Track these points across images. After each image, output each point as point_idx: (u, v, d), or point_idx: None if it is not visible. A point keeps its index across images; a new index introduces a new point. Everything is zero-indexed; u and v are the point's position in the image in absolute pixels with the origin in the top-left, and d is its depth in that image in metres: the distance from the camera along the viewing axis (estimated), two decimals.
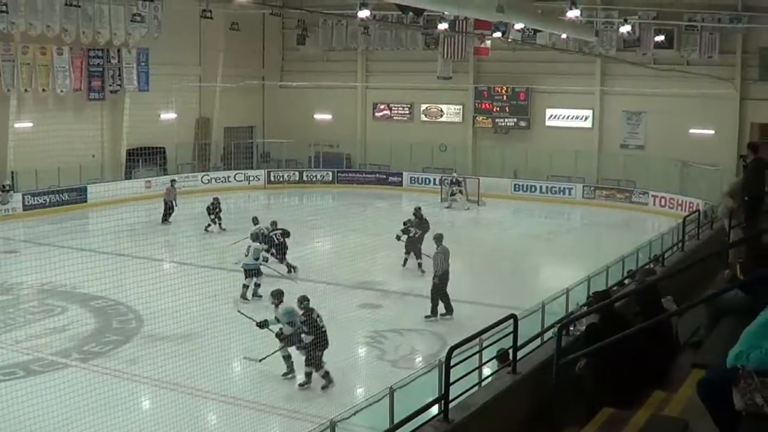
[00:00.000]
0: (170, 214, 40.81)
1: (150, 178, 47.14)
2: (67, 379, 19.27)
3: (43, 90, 42.98)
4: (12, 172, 42.23)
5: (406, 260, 31.78)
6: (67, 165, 42.86)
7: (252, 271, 27.23)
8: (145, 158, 46.98)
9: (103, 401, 17.66)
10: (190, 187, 48.31)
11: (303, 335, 19.43)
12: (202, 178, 50.40)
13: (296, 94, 55.35)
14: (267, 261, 28.79)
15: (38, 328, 24.01)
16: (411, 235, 31.51)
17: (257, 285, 27.16)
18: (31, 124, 42.94)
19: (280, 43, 58.01)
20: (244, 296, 26.75)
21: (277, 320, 20.13)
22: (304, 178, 53.22)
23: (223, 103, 53.32)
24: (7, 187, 41.24)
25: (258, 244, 28.31)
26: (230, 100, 53.29)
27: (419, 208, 33.21)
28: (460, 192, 46.40)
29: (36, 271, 26.25)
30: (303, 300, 19.74)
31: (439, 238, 26.05)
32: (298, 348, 19.76)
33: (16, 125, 42.37)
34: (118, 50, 46.10)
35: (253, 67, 56.11)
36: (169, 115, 50.33)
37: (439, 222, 41.33)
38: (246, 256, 27.63)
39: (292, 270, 30.38)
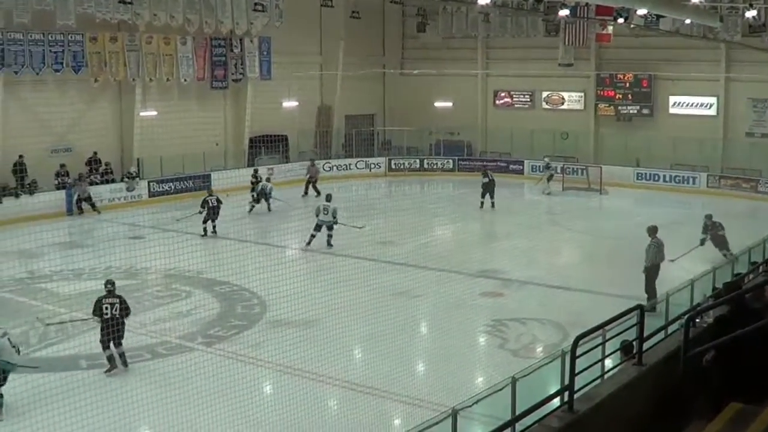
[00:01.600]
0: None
1: (272, 166, 47.54)
2: (192, 362, 19.67)
3: (168, 79, 43.70)
4: (138, 160, 43.06)
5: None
6: (190, 153, 43.53)
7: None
8: (267, 146, 47.44)
9: (227, 385, 17.97)
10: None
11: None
12: (323, 165, 50.69)
13: (417, 82, 55.34)
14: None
15: (164, 312, 24.54)
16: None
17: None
18: (155, 113, 43.75)
19: (401, 30, 58.06)
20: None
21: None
22: (425, 165, 53.18)
23: (343, 91, 53.55)
24: (133, 174, 42.07)
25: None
26: (351, 88, 53.48)
27: None
28: (550, 177, 46.00)
29: (162, 256, 26.75)
30: (107, 283, 20.25)
31: (651, 230, 25.18)
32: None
33: (142, 114, 43.19)
34: (241, 39, 46.65)
35: (374, 55, 56.30)
36: (290, 103, 50.85)
37: (561, 211, 41.23)
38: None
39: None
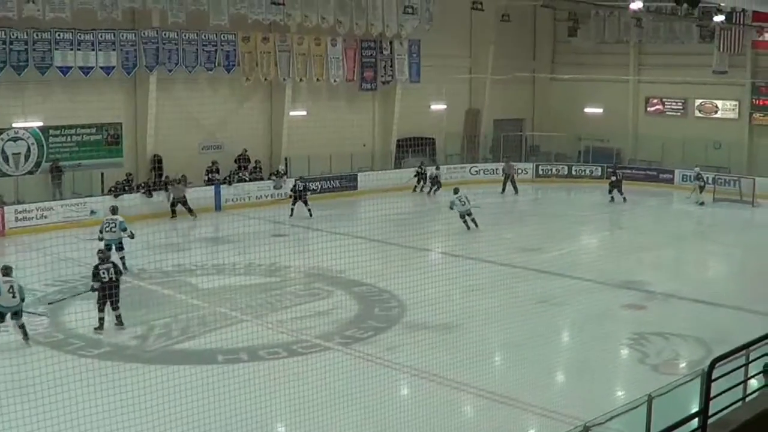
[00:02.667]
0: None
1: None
2: (328, 362, 19.76)
3: (317, 80, 44.16)
4: (286, 159, 43.53)
5: None
6: (338, 153, 43.86)
7: None
8: (414, 148, 47.53)
9: (361, 386, 17.95)
10: (458, 178, 48.58)
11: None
12: (470, 169, 50.57)
13: (567, 87, 54.84)
14: None
15: (303, 310, 24.58)
16: None
17: None
18: (305, 113, 44.30)
19: (552, 35, 57.54)
20: None
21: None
22: (573, 172, 52.61)
23: (492, 95, 53.35)
24: (281, 172, 42.52)
25: None
26: (500, 92, 53.27)
27: None
28: (701, 187, 44.77)
29: (304, 255, 26.87)
30: (99, 251, 23.07)
31: None
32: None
33: (291, 113, 43.69)
34: (390, 42, 46.89)
35: (524, 59, 55.90)
36: (439, 106, 50.86)
37: (711, 223, 40.30)
38: None
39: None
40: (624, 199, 43.09)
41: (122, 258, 27.33)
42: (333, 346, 21.51)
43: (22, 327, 20.73)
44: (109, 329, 21.75)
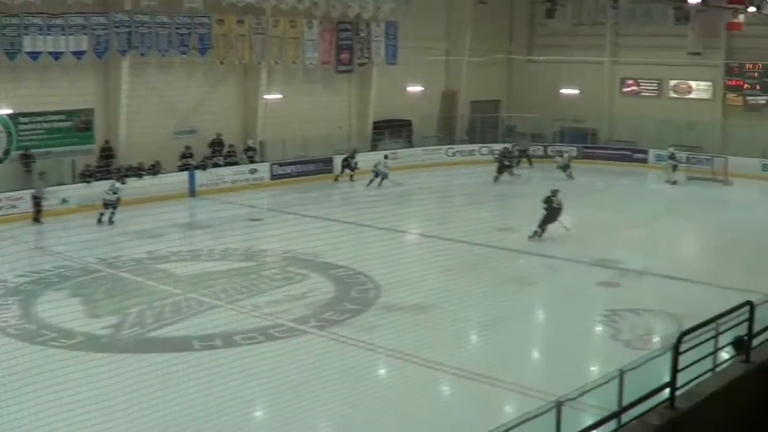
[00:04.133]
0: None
1: (395, 150, 47.51)
2: (305, 345, 19.79)
3: (293, 62, 43.98)
4: (260, 142, 43.41)
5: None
6: (314, 136, 43.80)
7: None
8: (390, 130, 47.50)
9: (339, 369, 17.98)
10: (434, 159, 48.67)
11: None
12: (446, 151, 50.56)
13: (543, 69, 54.78)
14: None
15: (279, 294, 24.55)
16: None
17: None
18: (280, 96, 44.05)
19: (528, 17, 57.43)
20: None
21: None
22: (549, 153, 52.67)
23: (469, 77, 53.28)
24: (252, 146, 42.81)
25: None
26: (476, 74, 53.17)
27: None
28: (674, 166, 44.89)
29: (279, 239, 26.87)
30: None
31: None
32: None
33: (266, 97, 43.51)
34: (367, 23, 46.73)
35: (500, 41, 55.79)
36: (415, 88, 50.81)
37: (684, 201, 40.51)
38: None
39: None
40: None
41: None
42: (309, 330, 21.53)
43: None
44: (82, 320, 21.58)
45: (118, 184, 34.37)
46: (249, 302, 23.63)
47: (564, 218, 31.37)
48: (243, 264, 27.75)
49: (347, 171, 43.98)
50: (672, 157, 45.00)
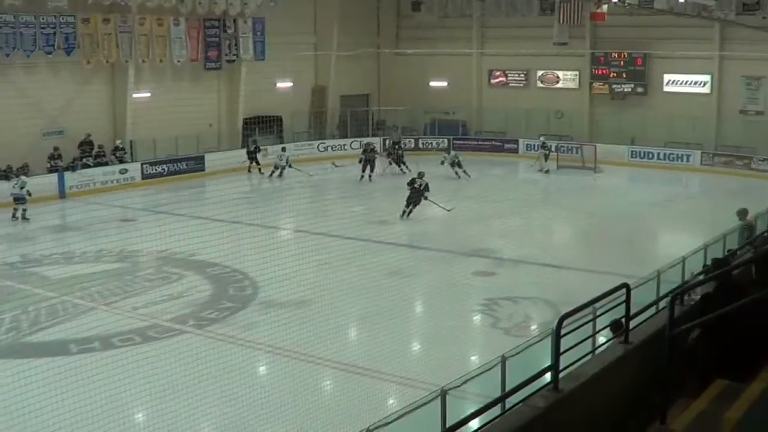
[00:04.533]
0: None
1: (266, 146, 47.42)
2: (184, 345, 19.56)
3: (160, 60, 43.48)
4: (130, 141, 42.90)
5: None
6: (184, 134, 43.44)
7: None
8: (261, 127, 47.36)
9: (219, 367, 17.90)
10: (307, 155, 48.66)
11: None
12: (318, 146, 50.60)
13: (411, 62, 55.17)
14: None
15: (155, 295, 24.39)
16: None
17: None
18: (149, 95, 43.60)
19: (396, 10, 57.70)
20: None
21: None
22: (420, 145, 53.05)
23: (338, 72, 53.33)
24: (121, 147, 42.32)
25: None
26: (345, 69, 53.25)
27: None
28: (545, 155, 45.82)
29: (153, 238, 26.70)
30: None
31: (742, 213, 22.82)
32: None
33: (134, 96, 42.94)
34: (234, 20, 46.42)
35: (369, 35, 55.97)
36: (285, 84, 50.70)
37: (555, 190, 41.25)
38: None
39: None
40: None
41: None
42: (188, 329, 21.43)
43: None
44: None
45: (24, 178, 34.66)
46: (126, 303, 23.38)
47: (437, 209, 31.69)
48: (118, 265, 27.43)
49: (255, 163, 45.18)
50: (543, 146, 45.72)
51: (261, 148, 45.40)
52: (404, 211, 33.31)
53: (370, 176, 42.70)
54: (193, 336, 20.78)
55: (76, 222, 34.02)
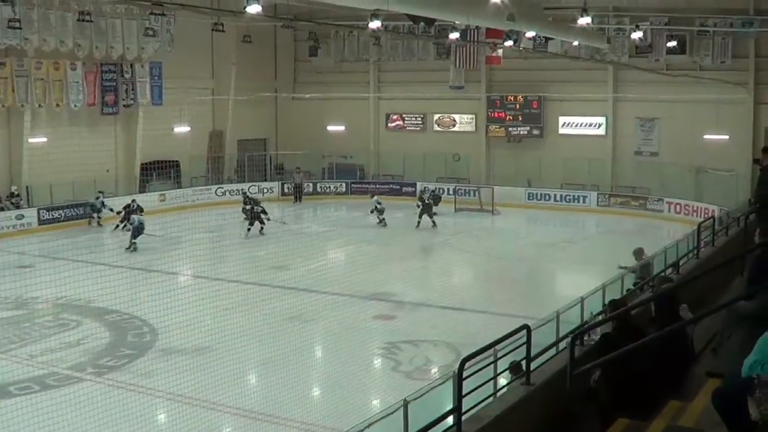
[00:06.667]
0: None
1: (164, 192, 47.12)
2: (82, 393, 19.27)
3: (57, 105, 42.94)
4: (27, 186, 42.26)
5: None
6: (81, 179, 42.89)
7: None
8: (159, 171, 47.02)
9: (119, 415, 17.65)
10: (204, 200, 48.43)
11: None
12: (216, 190, 50.41)
13: (309, 106, 55.37)
14: None
15: (53, 342, 24.01)
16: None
17: None
18: (45, 139, 43.01)
19: (293, 55, 57.96)
20: None
21: None
22: (318, 189, 53.18)
23: (236, 116, 53.29)
24: (16, 193, 41.57)
25: None
26: (243, 113, 53.25)
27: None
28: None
29: (50, 285, 26.27)
30: None
31: (637, 253, 23.87)
32: None
33: (31, 140, 42.38)
34: (132, 65, 46.12)
35: (266, 79, 56.10)
36: (182, 129, 50.42)
37: (454, 233, 41.55)
38: None
39: None
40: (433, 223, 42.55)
41: None
42: (87, 377, 21.14)
43: None
44: None
45: None
46: (23, 351, 22.99)
47: (336, 253, 31.66)
48: (14, 312, 26.97)
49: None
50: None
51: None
52: (418, 222, 41.25)
53: (261, 229, 40.84)
54: (93, 384, 20.49)
55: None
